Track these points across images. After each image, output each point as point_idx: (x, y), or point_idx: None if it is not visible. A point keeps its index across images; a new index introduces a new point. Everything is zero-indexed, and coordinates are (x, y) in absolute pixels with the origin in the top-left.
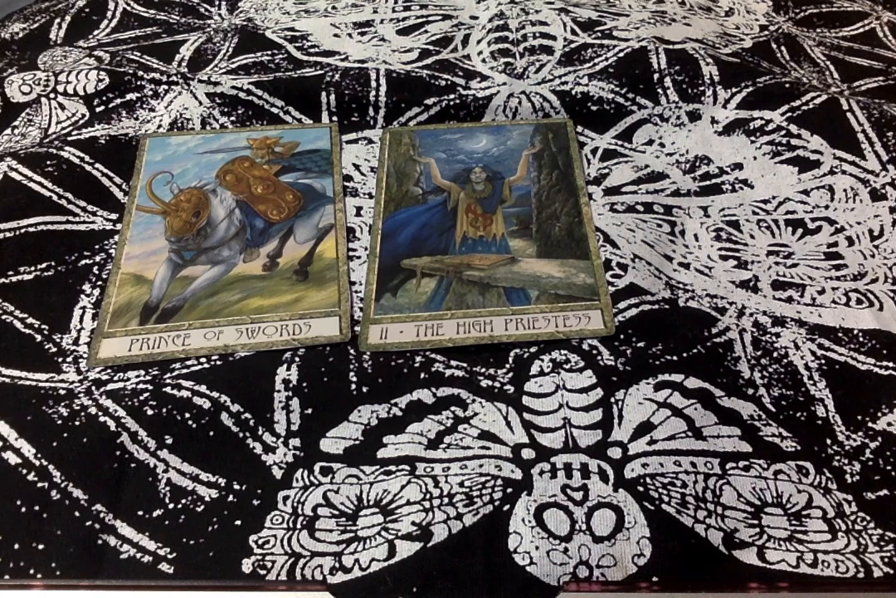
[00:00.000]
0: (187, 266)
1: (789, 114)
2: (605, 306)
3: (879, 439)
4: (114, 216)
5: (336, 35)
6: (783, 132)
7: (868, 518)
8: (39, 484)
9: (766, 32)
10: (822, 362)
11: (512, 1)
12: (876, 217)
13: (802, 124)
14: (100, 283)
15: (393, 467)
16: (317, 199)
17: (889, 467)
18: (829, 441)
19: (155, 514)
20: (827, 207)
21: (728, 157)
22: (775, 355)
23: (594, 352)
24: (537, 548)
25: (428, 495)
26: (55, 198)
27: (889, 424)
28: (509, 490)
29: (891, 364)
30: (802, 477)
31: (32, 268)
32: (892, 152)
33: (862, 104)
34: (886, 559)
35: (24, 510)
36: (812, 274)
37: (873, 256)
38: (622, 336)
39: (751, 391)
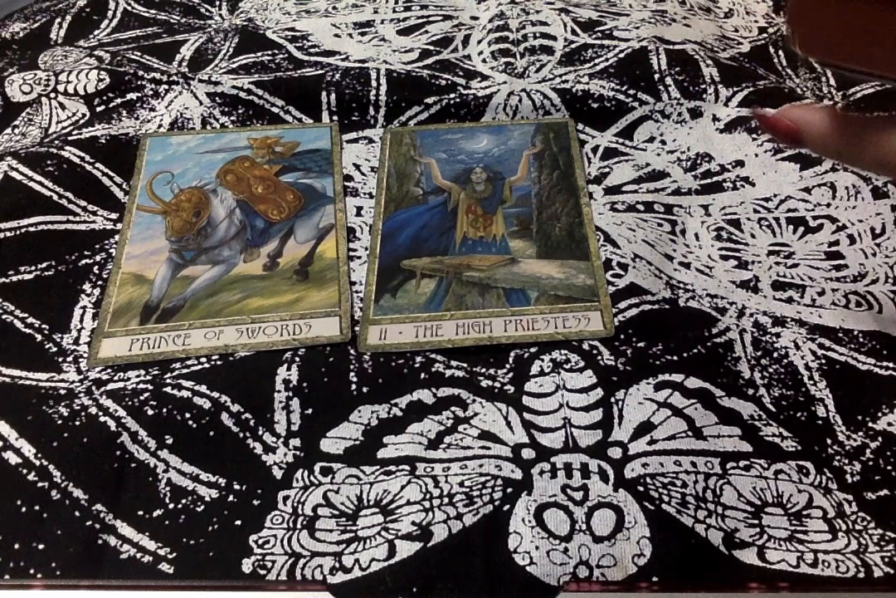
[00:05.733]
0: (188, 266)
1: None
2: (604, 307)
3: (880, 439)
4: (114, 216)
5: (336, 35)
6: None
7: (868, 518)
8: (40, 484)
9: (765, 35)
10: (823, 361)
11: (512, 1)
12: (878, 215)
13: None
14: (100, 282)
15: (393, 468)
16: (317, 199)
17: (889, 467)
18: (829, 441)
19: (155, 514)
20: (829, 205)
21: (729, 154)
22: (775, 355)
23: (594, 352)
24: (537, 548)
25: (428, 496)
26: (55, 197)
27: (889, 424)
28: (509, 490)
29: (891, 364)
30: (803, 477)
31: (33, 267)
32: None
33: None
34: (887, 559)
35: (24, 509)
36: (812, 274)
37: (874, 254)
38: (622, 336)
39: (751, 391)
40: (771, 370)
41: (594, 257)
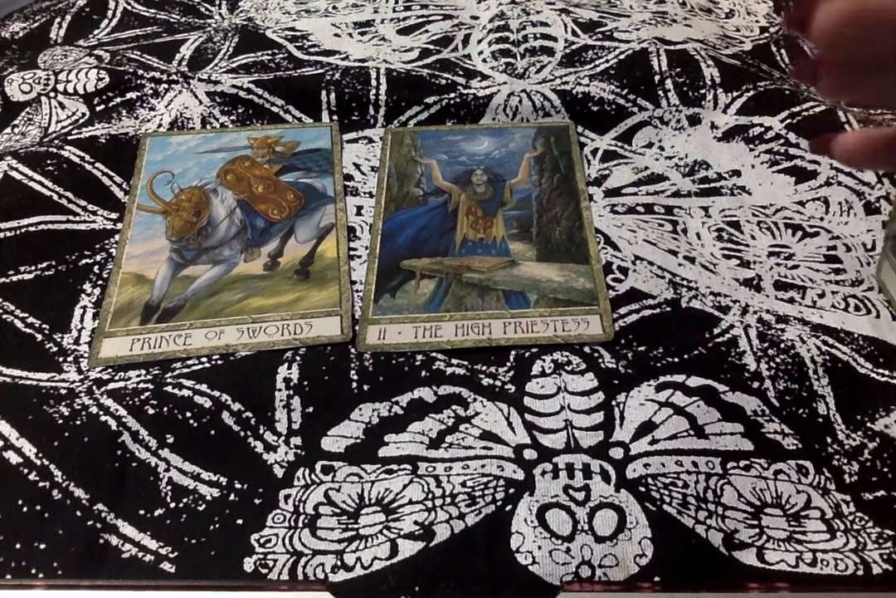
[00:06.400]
0: (188, 266)
1: (789, 120)
2: (604, 311)
3: (878, 439)
4: (114, 216)
5: (336, 35)
6: (781, 141)
7: (866, 518)
8: (41, 484)
9: (767, 34)
10: (827, 358)
11: (513, 1)
12: (869, 231)
13: (801, 133)
14: (100, 282)
15: (395, 466)
16: (318, 198)
17: (886, 469)
18: (829, 440)
19: (156, 513)
20: (822, 218)
21: (726, 163)
22: (782, 346)
23: (595, 354)
24: (540, 548)
25: (430, 495)
26: (55, 197)
27: (886, 426)
28: (511, 490)
29: (886, 372)
30: (802, 477)
31: (33, 267)
32: None
33: (858, 117)
34: (885, 557)
35: (25, 509)
36: (812, 276)
37: (869, 264)
38: (623, 341)
39: (756, 384)
40: (778, 361)
41: (594, 261)
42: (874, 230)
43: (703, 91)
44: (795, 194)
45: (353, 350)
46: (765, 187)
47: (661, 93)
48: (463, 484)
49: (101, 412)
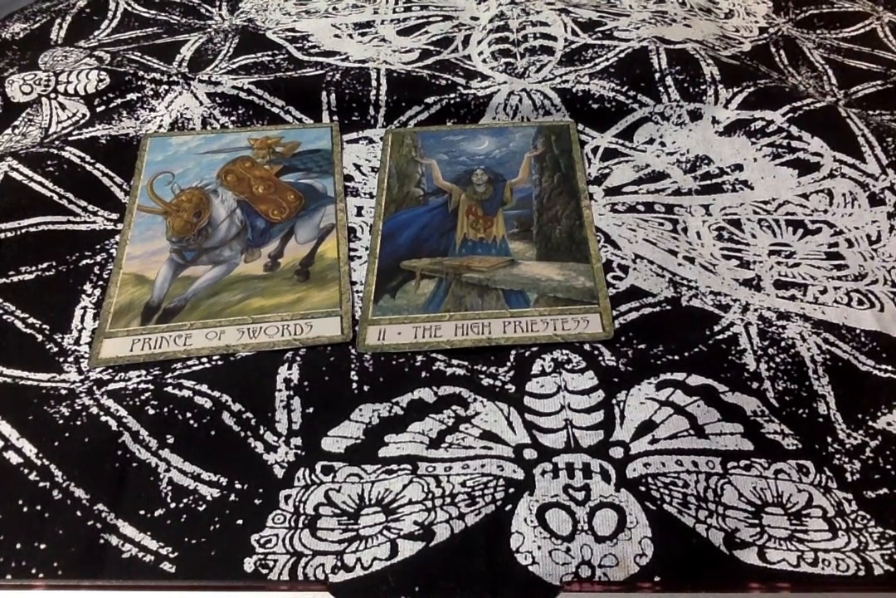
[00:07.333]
0: (188, 266)
1: (790, 114)
2: (604, 309)
3: (879, 437)
4: (115, 216)
5: (337, 36)
6: (784, 134)
7: (868, 517)
8: (41, 484)
9: (766, 35)
10: (827, 357)
11: (512, 1)
12: (874, 223)
13: (803, 126)
14: (101, 283)
15: (395, 467)
16: (318, 199)
17: (889, 467)
18: (829, 439)
19: (157, 513)
20: (826, 211)
21: (728, 157)
22: (783, 344)
23: (595, 352)
24: (539, 548)
25: (430, 495)
26: (56, 198)
27: (889, 423)
28: (511, 490)
29: (889, 367)
30: (803, 476)
31: (33, 268)
32: (892, 156)
33: (859, 115)
34: (887, 557)
35: (25, 509)
36: (814, 274)
37: (872, 258)
38: (623, 338)
39: (755, 385)
40: (778, 360)
41: (594, 260)
42: (879, 222)
43: (703, 87)
44: (798, 187)
45: (353, 351)
46: (767, 181)
47: (661, 89)
48: (463, 484)
49: (101, 413)
